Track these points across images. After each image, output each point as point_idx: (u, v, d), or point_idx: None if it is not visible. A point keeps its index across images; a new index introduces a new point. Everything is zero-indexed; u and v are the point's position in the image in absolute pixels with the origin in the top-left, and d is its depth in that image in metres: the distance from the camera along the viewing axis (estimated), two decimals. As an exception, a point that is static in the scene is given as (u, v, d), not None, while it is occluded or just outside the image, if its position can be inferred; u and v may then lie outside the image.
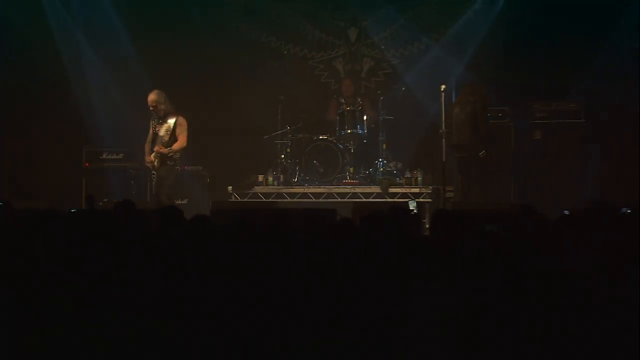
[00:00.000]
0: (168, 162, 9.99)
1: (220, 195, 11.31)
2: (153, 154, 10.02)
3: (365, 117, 11.78)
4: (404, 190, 11.22)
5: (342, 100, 12.02)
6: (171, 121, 9.99)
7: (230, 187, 11.50)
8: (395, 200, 10.96)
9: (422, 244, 4.53)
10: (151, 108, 10.01)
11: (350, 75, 12.61)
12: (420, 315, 3.52)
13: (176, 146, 9.97)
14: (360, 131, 11.73)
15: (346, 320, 3.57)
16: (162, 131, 10.01)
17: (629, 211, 5.67)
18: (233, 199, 11.27)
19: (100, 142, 11.94)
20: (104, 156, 11.74)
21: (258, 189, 11.46)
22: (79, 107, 12.17)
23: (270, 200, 11.15)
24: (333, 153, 11.68)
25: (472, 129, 10.72)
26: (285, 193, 11.40)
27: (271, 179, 11.65)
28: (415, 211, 9.40)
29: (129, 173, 11.69)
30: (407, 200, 10.76)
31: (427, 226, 9.79)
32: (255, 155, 12.24)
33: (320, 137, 11.73)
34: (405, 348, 3.47)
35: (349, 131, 11.69)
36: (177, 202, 10.61)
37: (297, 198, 11.32)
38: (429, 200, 11.00)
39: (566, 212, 7.12)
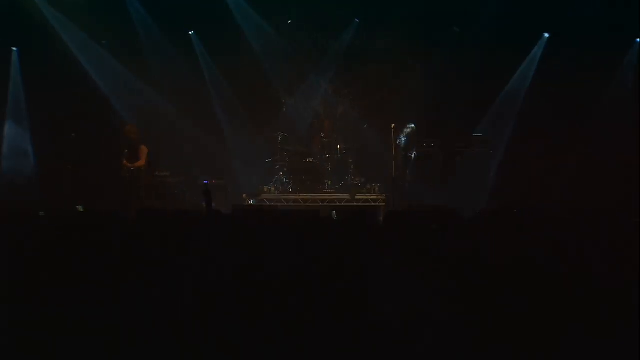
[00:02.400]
0: (131, 175, 10.50)
1: (238, 201, 11.33)
2: (125, 168, 10.55)
3: (339, 146, 11.87)
4: (366, 197, 11.31)
5: (323, 134, 12.10)
6: (138, 147, 10.60)
7: (244, 195, 11.53)
8: (360, 204, 11.04)
9: (378, 234, 4.58)
10: (132, 135, 10.57)
11: (328, 116, 12.66)
12: (376, 285, 3.53)
13: (137, 164, 10.54)
14: (335, 156, 11.83)
15: (326, 287, 3.56)
16: (131, 153, 10.58)
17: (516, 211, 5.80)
18: (247, 203, 11.30)
19: (154, 163, 11.90)
20: (157, 173, 11.70)
21: (264, 196, 11.48)
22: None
23: (272, 204, 11.19)
24: (316, 171, 11.76)
25: (403, 158, 11.10)
26: (283, 199, 11.42)
27: (273, 189, 11.69)
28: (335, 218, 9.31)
29: (173, 186, 11.69)
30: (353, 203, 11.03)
31: (382, 222, 9.87)
32: (262, 172, 12.27)
33: (307, 160, 11.81)
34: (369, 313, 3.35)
35: (327, 156, 11.80)
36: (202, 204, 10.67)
37: (291, 203, 11.35)
38: (383, 204, 11.08)
39: (478, 212, 7.21)
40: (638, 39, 11.57)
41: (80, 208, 9.63)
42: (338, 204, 11.14)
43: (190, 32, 12.58)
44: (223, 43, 12.35)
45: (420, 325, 2.93)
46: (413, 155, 11.18)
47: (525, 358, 2.82)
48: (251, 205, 11.15)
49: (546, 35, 12.01)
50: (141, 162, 10.59)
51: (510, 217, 5.23)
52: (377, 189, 11.45)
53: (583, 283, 3.09)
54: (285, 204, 11.28)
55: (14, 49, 12.20)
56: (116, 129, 11.66)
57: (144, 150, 10.67)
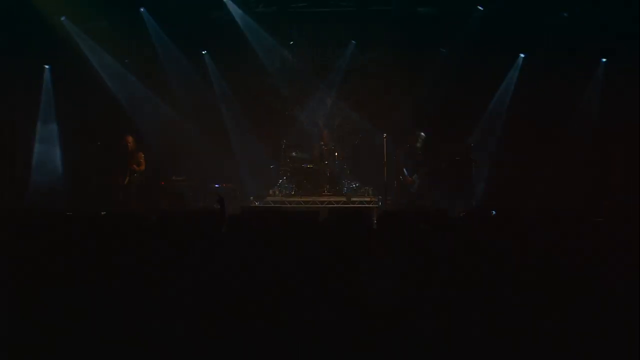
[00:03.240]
0: (131, 177, 10.90)
1: (245, 203, 11.26)
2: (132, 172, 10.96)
3: (336, 154, 11.80)
4: (360, 199, 11.21)
5: (322, 143, 12.01)
6: (137, 155, 11.00)
7: (252, 197, 11.46)
8: (356, 205, 10.95)
9: (372, 232, 4.49)
10: (128, 144, 10.93)
11: (327, 127, 12.60)
12: (368, 277, 3.44)
13: (138, 168, 10.98)
14: (333, 162, 11.73)
15: (325, 284, 3.46)
16: (132, 159, 10.92)
17: (494, 212, 5.72)
18: (254, 205, 11.21)
19: (171, 168, 11.82)
20: (173, 178, 11.64)
21: (269, 199, 11.42)
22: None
23: (277, 205, 11.11)
24: (316, 176, 11.68)
25: (404, 163, 10.94)
26: (286, 201, 11.34)
27: (277, 192, 11.61)
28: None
29: (188, 189, 11.65)
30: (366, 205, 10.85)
31: (375, 221, 9.77)
32: (267, 177, 12.18)
33: (308, 166, 11.73)
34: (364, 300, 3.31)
35: (326, 162, 11.72)
36: (215, 207, 10.56)
37: (294, 204, 11.26)
38: (376, 205, 10.99)
39: (462, 214, 7.11)
40: (603, 59, 11.56)
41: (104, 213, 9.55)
42: (335, 205, 11.05)
43: (203, 52, 12.53)
44: (233, 60, 12.34)
45: (417, 322, 2.82)
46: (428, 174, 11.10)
47: (523, 357, 2.69)
48: (258, 207, 11.07)
49: (522, 55, 11.96)
50: (141, 167, 11.04)
51: (501, 217, 5.13)
52: (370, 191, 11.38)
53: (582, 282, 2.98)
54: (288, 205, 11.20)
55: (47, 66, 12.22)
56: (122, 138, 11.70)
57: (141, 156, 11.10)
